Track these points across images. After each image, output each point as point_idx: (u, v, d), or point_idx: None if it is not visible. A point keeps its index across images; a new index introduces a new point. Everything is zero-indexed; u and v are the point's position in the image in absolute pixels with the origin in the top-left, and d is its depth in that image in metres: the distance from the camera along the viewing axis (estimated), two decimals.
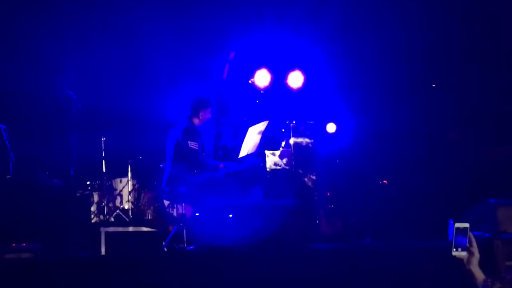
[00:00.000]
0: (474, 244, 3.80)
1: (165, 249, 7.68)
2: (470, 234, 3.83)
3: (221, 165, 8.22)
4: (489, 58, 10.23)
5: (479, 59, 10.25)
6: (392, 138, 10.53)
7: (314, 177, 8.00)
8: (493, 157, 10.12)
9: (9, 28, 9.58)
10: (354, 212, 9.76)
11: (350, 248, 7.57)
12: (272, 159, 8.05)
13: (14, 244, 7.35)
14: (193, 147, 8.05)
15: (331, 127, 10.85)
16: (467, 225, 3.84)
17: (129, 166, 9.62)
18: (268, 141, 8.27)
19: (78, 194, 9.12)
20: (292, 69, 10.05)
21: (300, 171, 8.00)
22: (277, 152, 8.11)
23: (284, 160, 8.06)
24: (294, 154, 8.02)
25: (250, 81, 9.65)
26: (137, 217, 9.41)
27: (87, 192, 9.39)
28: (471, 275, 3.78)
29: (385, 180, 10.32)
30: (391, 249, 7.13)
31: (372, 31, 10.45)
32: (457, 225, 3.85)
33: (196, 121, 8.26)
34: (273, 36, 10.35)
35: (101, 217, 9.37)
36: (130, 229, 9.02)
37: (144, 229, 9.01)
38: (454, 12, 10.18)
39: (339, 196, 9.85)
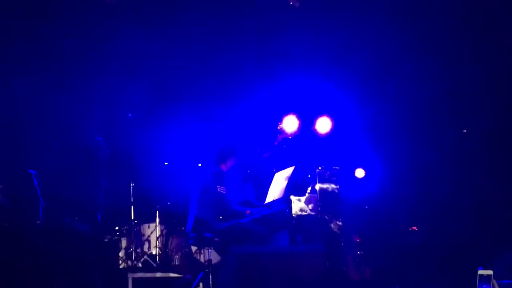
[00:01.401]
0: None
1: None
2: (494, 281, 3.79)
3: (248, 212, 8.21)
4: None
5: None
6: (421, 183, 10.45)
7: (340, 223, 7.96)
8: None
9: (37, 73, 9.78)
10: (383, 258, 9.66)
11: None
12: (298, 204, 8.04)
13: None
14: (222, 191, 8.06)
15: (359, 173, 10.81)
16: (490, 272, 3.81)
17: (157, 211, 9.67)
18: (294, 187, 8.26)
19: (106, 240, 9.18)
20: (320, 114, 10.08)
21: (326, 217, 7.96)
22: (303, 198, 8.09)
23: (310, 206, 8.04)
24: (320, 200, 8.00)
25: (278, 127, 9.69)
26: (165, 262, 9.42)
27: (115, 237, 9.45)
28: None
29: (414, 226, 10.21)
30: None
31: (398, 74, 10.46)
32: (480, 272, 3.82)
33: (223, 166, 8.30)
34: (301, 81, 10.42)
35: (129, 262, 9.40)
36: (158, 275, 9.04)
37: (172, 275, 9.02)
38: (477, 50, 10.18)
39: (368, 242, 9.76)
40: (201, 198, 8.04)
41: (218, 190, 8.02)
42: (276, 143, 9.41)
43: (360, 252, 9.60)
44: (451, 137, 10.52)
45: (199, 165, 9.22)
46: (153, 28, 10.02)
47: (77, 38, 9.75)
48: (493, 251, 7.61)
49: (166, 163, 9.79)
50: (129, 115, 9.42)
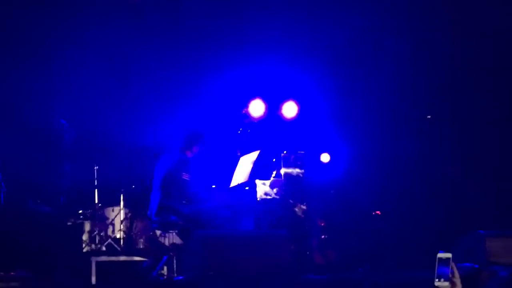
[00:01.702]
0: (457, 274, 3.78)
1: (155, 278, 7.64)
2: (453, 264, 3.81)
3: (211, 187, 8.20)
4: (488, 91, 10.28)
5: (478, 89, 10.30)
6: (386, 168, 10.54)
7: (304, 207, 7.99)
8: (485, 189, 10.12)
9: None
10: (347, 242, 9.73)
11: (342, 279, 7.52)
12: (262, 188, 8.05)
13: (2, 273, 7.32)
14: (186, 178, 8.04)
15: (325, 157, 10.86)
16: (449, 255, 3.82)
17: (121, 195, 9.61)
18: (259, 171, 8.27)
19: (69, 223, 9.12)
20: (286, 99, 10.09)
21: (290, 201, 7.99)
22: (268, 182, 8.11)
23: (275, 190, 8.06)
24: (284, 184, 8.02)
25: (243, 111, 9.67)
26: (129, 246, 9.37)
27: (79, 221, 9.38)
28: None
29: (378, 210, 10.30)
30: (383, 280, 7.09)
31: (366, 62, 10.51)
32: (439, 255, 3.83)
33: (188, 153, 8.26)
34: (268, 66, 10.41)
35: (93, 246, 9.34)
36: (122, 258, 8.99)
37: (136, 258, 8.98)
38: (450, 39, 10.25)
39: (332, 226, 9.81)
40: (165, 183, 7.98)
41: (183, 177, 8.00)
42: (239, 132, 9.39)
43: (325, 236, 9.66)
44: (416, 122, 10.61)
45: None
46: (113, 13, 9.91)
47: (37, 16, 9.60)
48: (454, 234, 7.71)
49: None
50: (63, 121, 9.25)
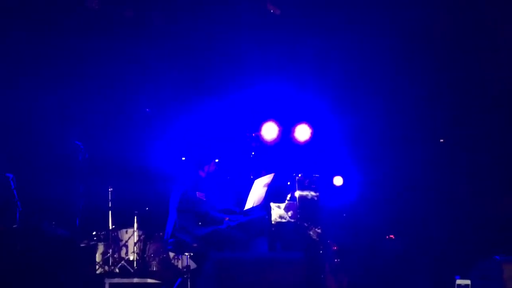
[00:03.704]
0: None
1: None
2: None
3: (227, 218, 8.20)
4: (497, 113, 10.29)
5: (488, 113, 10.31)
6: (399, 192, 10.52)
7: (319, 231, 7.97)
8: (502, 212, 10.07)
9: (16, 73, 9.71)
10: (360, 267, 9.69)
11: None
12: (277, 211, 8.04)
13: None
14: (201, 197, 8.06)
15: (338, 181, 10.85)
16: (468, 282, 3.84)
17: (135, 217, 9.63)
18: (273, 194, 8.27)
19: (83, 244, 9.12)
20: (299, 122, 10.10)
21: (305, 224, 7.97)
22: (282, 205, 8.10)
23: (290, 213, 8.05)
24: (299, 207, 8.01)
25: (254, 134, 9.69)
26: (142, 268, 9.38)
27: (93, 242, 9.39)
28: None
29: (392, 234, 10.27)
30: None
31: (377, 83, 10.54)
32: (458, 281, 3.85)
33: (201, 173, 8.29)
34: (281, 89, 10.45)
35: (106, 267, 9.35)
36: (135, 280, 9.00)
37: (149, 280, 8.98)
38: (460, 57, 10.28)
39: (345, 250, 9.79)
40: (180, 204, 8.03)
41: (198, 196, 8.02)
42: (252, 155, 9.42)
43: (338, 260, 9.63)
44: (429, 145, 10.61)
45: (183, 158, 9.21)
46: (121, 36, 9.98)
47: (58, 38, 9.69)
48: (470, 259, 7.67)
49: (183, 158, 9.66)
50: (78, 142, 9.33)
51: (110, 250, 9.43)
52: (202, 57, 10.47)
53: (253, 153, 9.45)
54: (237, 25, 10.31)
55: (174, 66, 10.39)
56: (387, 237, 10.24)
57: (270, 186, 8.24)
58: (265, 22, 10.32)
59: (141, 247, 9.52)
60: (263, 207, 8.12)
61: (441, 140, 10.76)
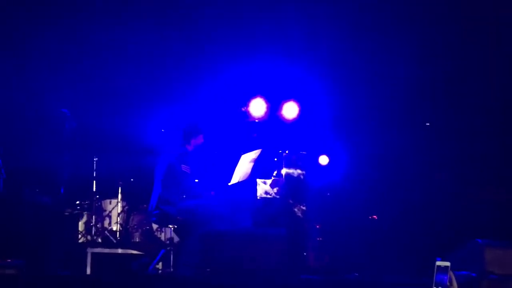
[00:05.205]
0: (455, 283, 3.81)
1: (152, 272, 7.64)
2: (451, 273, 3.85)
3: (212, 192, 8.21)
4: (480, 101, 10.32)
5: (480, 96, 10.34)
6: (384, 174, 10.55)
7: (304, 208, 7.99)
8: (483, 198, 10.14)
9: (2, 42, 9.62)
10: (342, 246, 9.73)
11: (337, 281, 7.52)
12: (263, 187, 8.05)
13: None
14: (186, 170, 8.06)
15: (323, 160, 10.86)
16: (448, 263, 3.86)
17: (119, 187, 9.60)
18: (260, 170, 8.27)
19: (66, 213, 9.09)
20: (287, 99, 10.06)
21: (290, 201, 7.99)
22: (268, 181, 8.11)
23: (275, 189, 8.06)
24: (285, 184, 8.02)
25: (242, 109, 9.66)
26: (125, 239, 9.37)
27: (76, 211, 9.36)
28: None
29: (374, 215, 10.32)
30: (377, 285, 7.10)
31: (368, 64, 10.51)
32: (438, 263, 3.87)
33: (188, 147, 8.27)
34: (269, 65, 10.40)
35: (89, 237, 9.33)
36: (118, 251, 9.00)
37: (132, 251, 8.98)
38: (450, 49, 10.27)
39: (328, 229, 9.82)
40: (165, 177, 8.02)
41: (183, 169, 8.02)
42: (254, 135, 9.41)
43: (320, 239, 9.66)
44: (417, 128, 10.63)
45: (162, 130, 9.19)
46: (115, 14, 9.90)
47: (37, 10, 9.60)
48: (451, 242, 7.73)
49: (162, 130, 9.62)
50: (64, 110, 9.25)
51: (93, 220, 9.40)
52: (190, 31, 10.39)
53: (255, 134, 9.44)
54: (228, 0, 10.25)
55: (163, 40, 10.31)
56: (370, 217, 10.28)
57: (257, 162, 8.23)
58: None
59: (125, 218, 9.50)
60: (249, 182, 8.12)
61: (427, 124, 10.79)
